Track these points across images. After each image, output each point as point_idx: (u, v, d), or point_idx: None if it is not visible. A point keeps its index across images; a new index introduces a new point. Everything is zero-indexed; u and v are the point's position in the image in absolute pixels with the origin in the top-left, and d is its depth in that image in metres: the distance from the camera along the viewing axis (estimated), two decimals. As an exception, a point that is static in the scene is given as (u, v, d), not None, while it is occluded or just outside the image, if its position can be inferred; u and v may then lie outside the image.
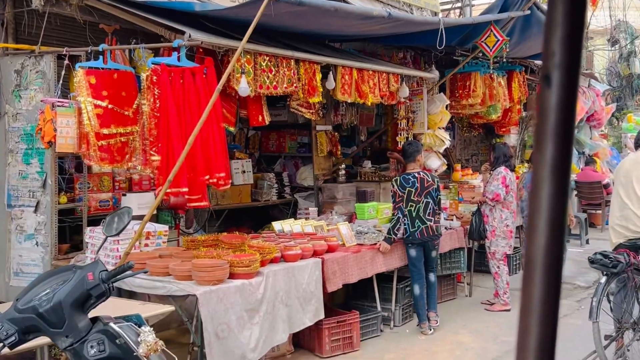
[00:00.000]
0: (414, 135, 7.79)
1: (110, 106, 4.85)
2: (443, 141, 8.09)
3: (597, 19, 15.63)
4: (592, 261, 5.02)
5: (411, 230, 6.13)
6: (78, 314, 2.29)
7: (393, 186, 6.24)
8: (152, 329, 2.41)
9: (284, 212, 7.87)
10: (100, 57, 4.97)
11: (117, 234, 2.70)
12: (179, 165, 4.15)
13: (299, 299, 5.10)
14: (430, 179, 6.25)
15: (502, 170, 6.99)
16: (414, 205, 6.13)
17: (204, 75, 4.95)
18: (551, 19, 0.66)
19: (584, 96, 11.94)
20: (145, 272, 3.67)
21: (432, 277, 6.33)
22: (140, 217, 4.48)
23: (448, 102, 8.34)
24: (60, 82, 5.11)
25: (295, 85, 5.76)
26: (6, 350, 2.29)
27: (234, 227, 7.15)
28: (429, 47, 7.88)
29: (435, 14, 9.65)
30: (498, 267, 7.04)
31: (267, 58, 5.48)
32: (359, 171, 8.37)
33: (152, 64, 4.73)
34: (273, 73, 5.52)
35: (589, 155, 13.05)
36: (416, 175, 6.19)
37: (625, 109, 17.19)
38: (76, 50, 5.15)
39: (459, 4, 11.17)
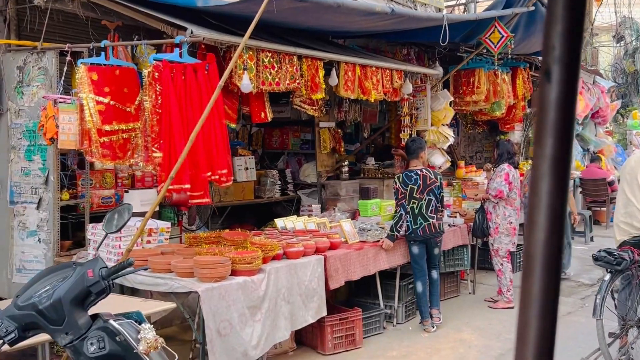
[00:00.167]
0: (417, 132, 7.77)
1: (112, 103, 4.84)
2: (447, 138, 8.06)
3: (602, 15, 15.54)
4: (596, 258, 4.99)
5: (413, 227, 6.12)
6: (78, 311, 2.28)
7: (395, 183, 6.23)
8: (152, 326, 2.40)
9: (287, 209, 7.87)
10: (103, 53, 4.96)
11: (117, 231, 2.69)
12: (181, 162, 4.13)
13: (301, 296, 5.09)
14: (432, 176, 6.22)
15: (505, 167, 6.96)
16: (416, 202, 6.11)
17: (206, 72, 4.94)
18: (551, 14, 0.67)
19: (589, 93, 11.89)
20: (146, 269, 3.67)
21: (435, 274, 6.32)
22: (143, 214, 4.47)
23: (452, 98, 8.31)
24: (63, 78, 5.11)
25: (297, 81, 5.75)
26: (6, 347, 2.28)
27: (237, 224, 7.15)
28: (433, 44, 7.85)
29: (439, 10, 9.61)
30: (501, 264, 7.01)
31: (270, 54, 5.47)
32: (362, 168, 8.36)
33: (154, 60, 4.72)
34: (275, 69, 5.51)
35: (594, 152, 13.01)
36: (419, 172, 6.17)
37: (631, 105, 17.10)
38: (78, 46, 5.15)
39: (463, 0, 11.12)
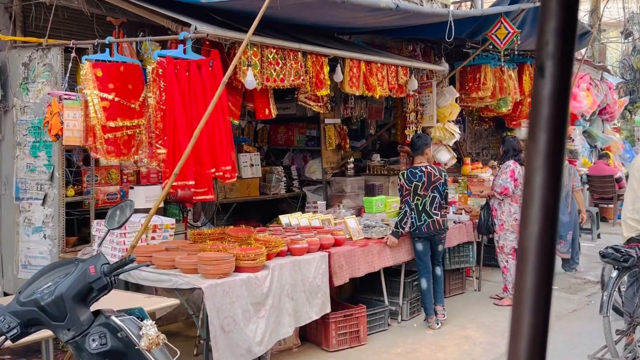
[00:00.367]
0: (423, 129, 7.74)
1: (116, 99, 4.85)
2: (453, 134, 8.03)
3: (610, 11, 15.42)
4: (603, 255, 4.97)
5: (418, 224, 6.11)
6: (80, 307, 2.29)
7: (400, 180, 6.21)
8: (154, 322, 2.40)
9: (292, 205, 7.86)
10: (107, 49, 4.96)
11: (119, 227, 2.69)
12: (185, 158, 4.13)
13: (305, 293, 5.08)
14: (437, 173, 6.21)
15: (510, 163, 6.93)
16: (421, 199, 6.10)
17: (210, 68, 4.93)
18: (545, 10, 0.68)
19: (597, 89, 11.82)
20: (148, 266, 3.67)
21: (439, 270, 6.31)
22: (148, 210, 4.47)
23: (458, 95, 8.28)
24: (67, 74, 5.12)
25: (302, 78, 5.73)
26: (8, 343, 2.29)
27: (242, 221, 7.14)
28: (439, 40, 7.81)
29: (446, 6, 9.56)
30: (507, 261, 6.99)
31: (274, 50, 5.45)
32: (368, 165, 8.34)
33: (158, 56, 4.72)
34: (280, 66, 5.49)
35: (601, 148, 12.94)
36: (423, 169, 6.15)
37: (638, 102, 16.99)
38: (83, 43, 5.15)
39: (470, -4, 11.06)
